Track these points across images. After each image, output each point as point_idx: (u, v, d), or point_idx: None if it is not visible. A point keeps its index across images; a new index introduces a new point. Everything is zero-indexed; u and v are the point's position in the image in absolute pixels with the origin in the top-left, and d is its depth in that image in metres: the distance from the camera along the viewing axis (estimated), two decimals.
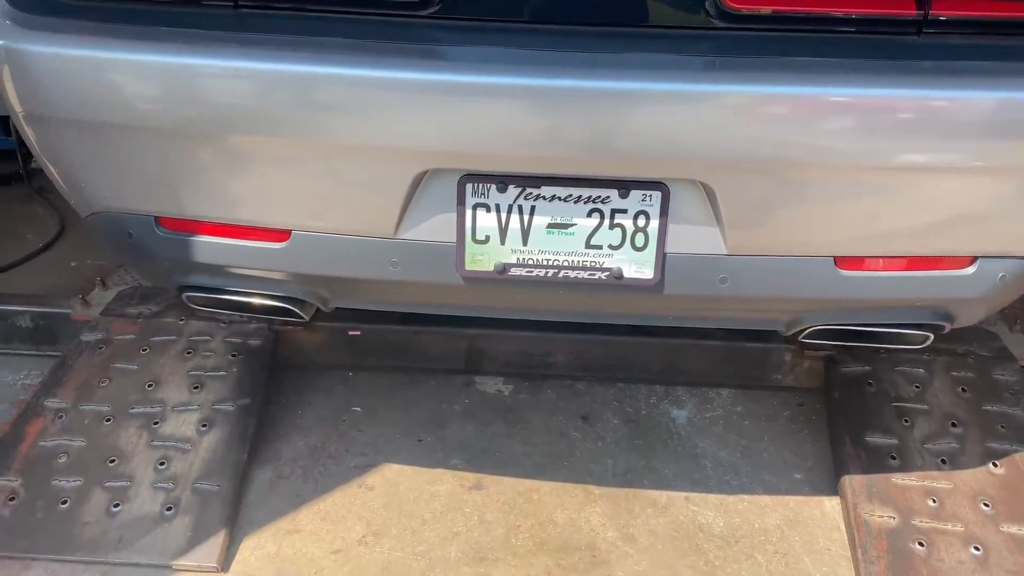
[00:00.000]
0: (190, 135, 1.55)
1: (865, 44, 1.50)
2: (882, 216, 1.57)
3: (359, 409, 2.30)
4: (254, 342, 2.29)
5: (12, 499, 1.91)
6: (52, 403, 2.13)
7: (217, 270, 1.78)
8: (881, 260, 1.64)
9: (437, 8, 1.49)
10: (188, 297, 1.90)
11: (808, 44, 1.49)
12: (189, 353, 2.26)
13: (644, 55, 1.48)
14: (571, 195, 1.57)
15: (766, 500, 2.06)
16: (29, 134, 1.63)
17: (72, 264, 2.89)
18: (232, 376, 2.19)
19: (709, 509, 2.03)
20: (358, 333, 2.34)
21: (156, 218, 1.70)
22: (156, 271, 1.85)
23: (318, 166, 1.56)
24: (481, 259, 1.63)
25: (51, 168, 1.69)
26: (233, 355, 2.25)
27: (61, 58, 1.52)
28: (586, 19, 1.51)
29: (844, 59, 1.48)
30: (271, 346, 2.30)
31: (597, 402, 2.34)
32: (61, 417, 2.09)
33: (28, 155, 3.02)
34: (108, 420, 2.09)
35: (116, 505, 1.90)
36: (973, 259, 1.65)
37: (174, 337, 2.31)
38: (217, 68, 1.49)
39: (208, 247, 1.71)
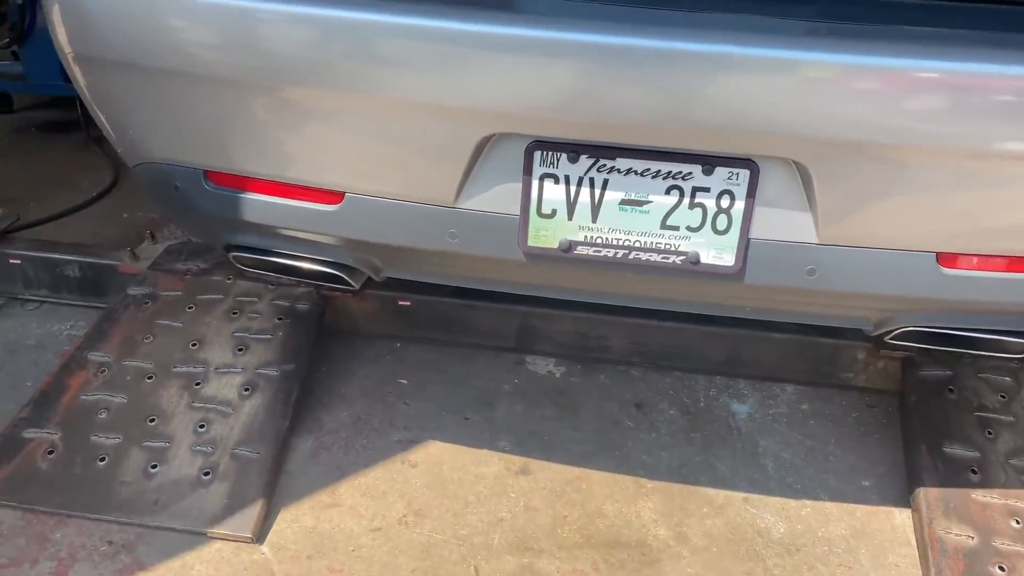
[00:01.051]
0: (244, 84, 1.46)
1: (991, 14, 1.35)
2: (995, 210, 1.41)
3: (405, 382, 2.22)
4: (302, 306, 2.21)
5: (51, 452, 1.87)
6: (95, 356, 2.09)
7: (265, 230, 1.69)
8: (989, 259, 1.49)
9: None
10: (235, 257, 1.82)
11: (928, 12, 1.35)
12: (235, 313, 2.20)
13: (741, 16, 1.34)
14: (649, 169, 1.44)
15: (831, 507, 1.92)
16: (78, 77, 1.56)
17: (124, 215, 2.86)
18: (278, 340, 2.13)
19: (769, 512, 1.90)
20: (408, 304, 2.26)
21: (204, 172, 1.62)
22: (202, 227, 1.79)
23: (376, 124, 1.46)
24: (545, 235, 1.51)
25: (99, 114, 1.62)
26: (280, 318, 2.18)
27: None
28: None
29: (968, 30, 1.32)
30: (319, 311, 2.23)
31: (653, 390, 2.22)
32: (104, 371, 2.05)
33: None
34: (150, 378, 2.04)
35: (154, 466, 1.85)
36: None
37: (221, 296, 2.25)
38: (275, 13, 1.40)
39: (257, 205, 1.62)
